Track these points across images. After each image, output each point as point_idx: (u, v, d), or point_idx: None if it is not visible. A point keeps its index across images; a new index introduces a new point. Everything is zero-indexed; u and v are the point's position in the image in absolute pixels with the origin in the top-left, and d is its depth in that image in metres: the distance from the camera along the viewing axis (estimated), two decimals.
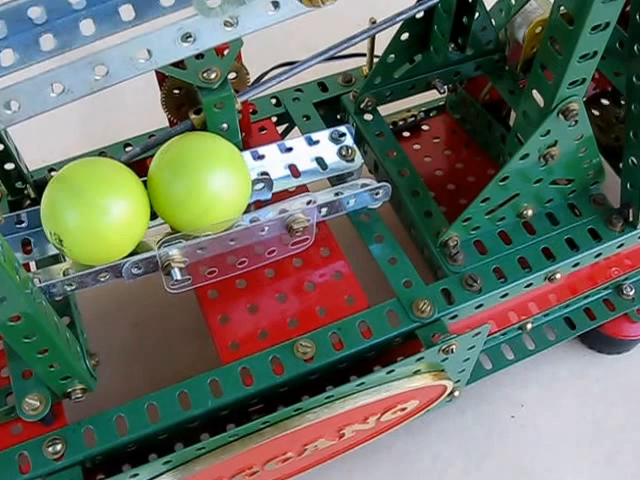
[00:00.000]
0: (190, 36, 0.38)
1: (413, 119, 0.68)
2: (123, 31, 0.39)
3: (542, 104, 0.47)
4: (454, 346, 0.49)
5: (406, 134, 0.68)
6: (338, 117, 0.65)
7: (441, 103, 0.70)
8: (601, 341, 0.67)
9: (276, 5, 0.38)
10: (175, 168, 0.47)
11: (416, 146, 0.67)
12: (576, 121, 0.48)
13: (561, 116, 0.47)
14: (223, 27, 0.38)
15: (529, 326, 0.61)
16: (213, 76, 0.48)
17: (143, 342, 0.68)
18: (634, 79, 0.50)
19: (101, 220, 0.45)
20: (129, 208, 0.46)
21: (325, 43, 0.72)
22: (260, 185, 0.51)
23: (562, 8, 0.43)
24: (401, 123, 0.67)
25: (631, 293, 0.65)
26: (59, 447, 0.46)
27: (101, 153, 0.58)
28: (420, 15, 0.55)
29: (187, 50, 0.38)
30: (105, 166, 0.47)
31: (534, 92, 0.48)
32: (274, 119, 0.62)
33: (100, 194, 0.45)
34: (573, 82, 0.45)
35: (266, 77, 0.67)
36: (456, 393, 0.58)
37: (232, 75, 0.52)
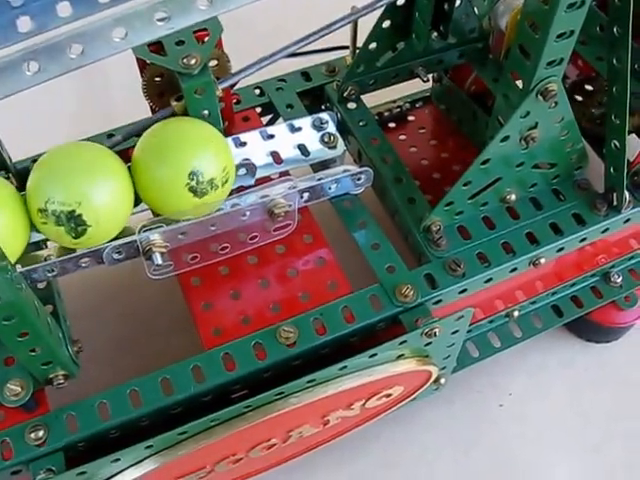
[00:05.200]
0: (165, 15, 0.38)
1: (399, 110, 0.68)
2: (100, 13, 0.39)
3: (521, 85, 0.47)
4: (437, 330, 0.49)
5: (392, 125, 0.68)
6: (322, 107, 0.65)
7: (427, 94, 0.70)
8: (589, 329, 0.67)
9: None
10: (158, 152, 0.47)
11: (402, 137, 0.67)
12: (556, 102, 0.48)
13: (540, 97, 0.47)
14: (198, 6, 0.38)
15: (516, 314, 0.61)
16: (193, 62, 0.48)
17: (132, 335, 0.68)
18: (615, 62, 0.50)
19: (85, 204, 0.45)
20: (113, 192, 0.46)
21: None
22: (243, 170, 0.51)
23: None
24: (387, 114, 0.67)
25: (618, 280, 0.65)
26: (41, 433, 0.46)
27: None
28: (401, 2, 0.55)
29: (162, 29, 0.38)
30: (89, 150, 0.47)
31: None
32: (258, 110, 0.62)
33: (84, 178, 0.45)
34: (551, 62, 0.45)
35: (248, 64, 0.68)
36: (442, 380, 0.58)
37: (213, 63, 0.52)
